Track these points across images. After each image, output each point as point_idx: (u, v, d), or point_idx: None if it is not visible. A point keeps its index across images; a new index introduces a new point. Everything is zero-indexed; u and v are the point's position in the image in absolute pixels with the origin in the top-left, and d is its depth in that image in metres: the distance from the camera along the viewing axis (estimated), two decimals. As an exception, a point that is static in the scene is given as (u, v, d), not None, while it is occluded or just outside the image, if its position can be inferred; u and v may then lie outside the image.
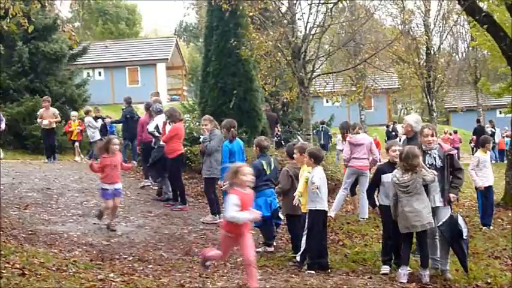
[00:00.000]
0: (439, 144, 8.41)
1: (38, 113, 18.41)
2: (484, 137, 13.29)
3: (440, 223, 7.96)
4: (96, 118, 19.47)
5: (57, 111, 18.66)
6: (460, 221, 8.02)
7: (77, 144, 19.96)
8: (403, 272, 7.86)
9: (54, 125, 18.20)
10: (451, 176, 8.20)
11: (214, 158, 11.18)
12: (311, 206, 8.42)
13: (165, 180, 12.79)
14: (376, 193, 8.95)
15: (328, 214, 11.60)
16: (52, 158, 18.15)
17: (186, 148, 13.46)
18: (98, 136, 19.07)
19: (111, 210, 10.12)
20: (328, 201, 12.75)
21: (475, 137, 30.13)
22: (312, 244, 8.37)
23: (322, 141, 24.16)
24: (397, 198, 7.90)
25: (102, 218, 10.21)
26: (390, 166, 8.46)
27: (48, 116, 17.97)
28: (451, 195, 8.16)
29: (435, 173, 7.92)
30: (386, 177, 8.37)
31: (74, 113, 20.54)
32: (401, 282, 7.76)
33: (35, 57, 24.06)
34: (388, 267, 8.40)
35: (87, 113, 19.50)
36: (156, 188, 13.40)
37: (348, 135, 12.42)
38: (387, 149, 8.77)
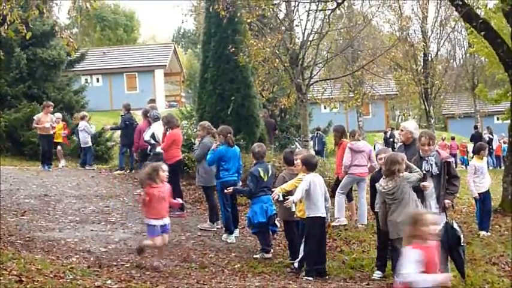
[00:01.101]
0: (436, 151, 8.43)
1: (35, 117, 17.79)
2: (479, 144, 13.34)
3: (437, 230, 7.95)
4: None
5: (54, 118, 18.30)
6: (456, 227, 8.03)
7: (59, 148, 19.00)
8: (399, 280, 7.84)
9: (51, 131, 17.78)
10: (447, 183, 8.23)
11: (202, 165, 11.22)
12: (306, 213, 8.44)
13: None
14: None
15: (336, 224, 11.66)
16: (48, 166, 17.47)
17: (184, 154, 13.45)
18: (90, 142, 19.01)
19: (159, 248, 8.56)
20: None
21: (471, 144, 30.22)
22: (309, 251, 8.37)
23: (316, 148, 24.16)
24: (385, 206, 7.92)
25: (142, 254, 8.64)
26: (381, 174, 8.48)
27: (46, 122, 17.48)
28: (446, 201, 8.18)
29: (427, 181, 7.95)
30: (378, 185, 8.40)
31: (57, 115, 19.23)
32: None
33: (33, 64, 24.05)
34: (380, 272, 8.43)
35: (82, 118, 19.30)
36: None
37: (349, 142, 12.40)
38: (376, 156, 8.78)
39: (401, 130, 9.31)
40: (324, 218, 8.57)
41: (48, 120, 17.56)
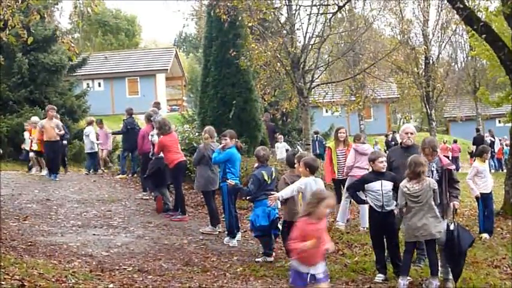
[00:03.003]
0: (438, 156, 8.44)
1: (39, 125, 16.39)
2: (482, 146, 13.33)
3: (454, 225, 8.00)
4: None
5: (60, 124, 16.59)
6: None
7: (32, 154, 17.61)
8: (403, 282, 7.84)
9: (58, 137, 16.19)
10: (448, 187, 8.28)
11: (198, 171, 11.39)
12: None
13: (164, 191, 12.82)
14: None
15: (337, 226, 11.73)
16: (54, 175, 16.16)
17: (187, 158, 13.44)
18: (96, 148, 18.91)
19: None
20: (332, 212, 12.87)
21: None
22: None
23: (318, 151, 24.15)
24: (406, 207, 7.92)
25: None
26: (375, 175, 8.47)
27: (50, 127, 15.99)
28: (455, 203, 8.26)
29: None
30: (371, 186, 8.39)
31: (35, 119, 17.77)
32: (401, 293, 7.76)
33: (35, 69, 24.12)
34: (382, 275, 8.38)
35: (90, 123, 19.17)
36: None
37: (354, 144, 12.44)
38: (373, 161, 8.64)
39: (411, 134, 9.24)
40: None
41: (53, 126, 16.07)
